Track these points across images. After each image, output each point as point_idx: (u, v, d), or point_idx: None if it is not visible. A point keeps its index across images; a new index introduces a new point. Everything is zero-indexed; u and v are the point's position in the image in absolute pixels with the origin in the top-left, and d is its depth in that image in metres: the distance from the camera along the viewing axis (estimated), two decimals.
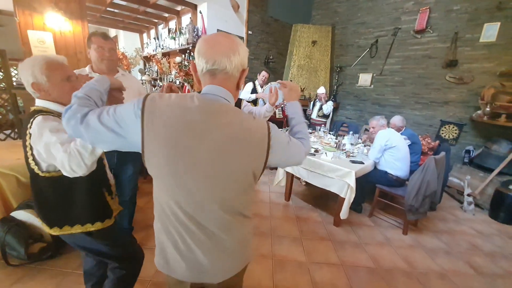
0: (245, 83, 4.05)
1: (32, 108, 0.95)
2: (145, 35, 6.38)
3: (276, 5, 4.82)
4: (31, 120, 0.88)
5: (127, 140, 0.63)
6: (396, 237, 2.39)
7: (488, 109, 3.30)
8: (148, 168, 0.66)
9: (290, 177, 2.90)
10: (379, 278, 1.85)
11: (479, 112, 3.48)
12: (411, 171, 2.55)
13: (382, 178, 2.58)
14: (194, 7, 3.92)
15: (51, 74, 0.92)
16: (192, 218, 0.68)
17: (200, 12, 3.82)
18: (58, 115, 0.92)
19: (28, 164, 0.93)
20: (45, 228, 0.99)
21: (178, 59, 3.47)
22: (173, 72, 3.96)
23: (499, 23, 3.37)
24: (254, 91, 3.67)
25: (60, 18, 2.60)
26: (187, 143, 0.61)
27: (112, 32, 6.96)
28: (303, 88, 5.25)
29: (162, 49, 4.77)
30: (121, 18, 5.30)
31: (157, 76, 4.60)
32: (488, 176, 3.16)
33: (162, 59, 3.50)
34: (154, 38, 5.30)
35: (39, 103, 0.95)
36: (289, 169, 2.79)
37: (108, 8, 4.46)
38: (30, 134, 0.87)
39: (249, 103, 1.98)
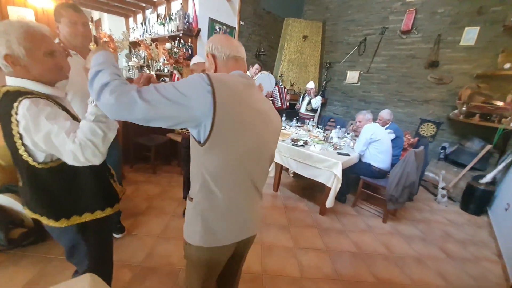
0: None
1: (5, 89, 0.78)
2: (131, 19, 6.10)
3: None
4: (15, 104, 0.73)
5: (192, 112, 0.67)
6: (377, 225, 2.54)
7: (464, 108, 3.52)
8: (214, 139, 0.70)
9: (279, 168, 2.96)
10: (361, 261, 1.96)
11: (456, 111, 3.71)
12: (392, 164, 2.70)
13: (366, 170, 2.70)
14: None
15: (32, 46, 0.76)
16: (250, 175, 0.82)
17: None
18: (43, 96, 0.80)
19: (17, 155, 0.79)
20: (50, 222, 0.88)
21: (168, 45, 3.37)
22: (161, 59, 3.85)
23: (478, 28, 3.58)
24: None
25: None
26: (250, 111, 0.77)
27: (95, 15, 6.59)
28: (293, 83, 5.31)
29: (150, 35, 4.59)
30: (106, 1, 5.03)
31: (144, 63, 4.44)
32: (461, 171, 3.40)
33: (151, 44, 3.37)
34: (141, 23, 5.09)
35: (14, 81, 0.79)
36: (278, 160, 2.84)
37: None
38: (18, 121, 0.73)
39: None
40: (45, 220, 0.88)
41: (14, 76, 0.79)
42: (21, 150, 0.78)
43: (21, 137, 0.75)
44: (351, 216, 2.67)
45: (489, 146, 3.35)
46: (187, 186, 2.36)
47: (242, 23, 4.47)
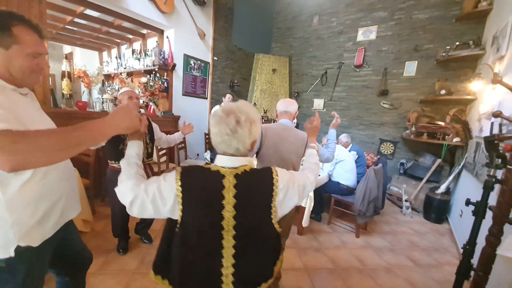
0: (213, 107, 4.24)
1: (241, 169, 0.77)
2: (105, 53, 6.21)
3: (239, 35, 5.29)
4: (274, 180, 0.77)
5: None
6: (350, 240, 2.68)
7: (413, 129, 4.04)
8: (261, 152, 1.57)
9: None
10: (338, 276, 2.05)
11: (407, 131, 4.23)
12: (358, 182, 2.95)
13: (336, 188, 2.91)
14: (160, 32, 4.08)
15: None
16: None
17: (167, 37, 3.99)
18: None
19: (265, 228, 0.78)
20: None
21: (144, 79, 3.51)
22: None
23: (416, 62, 4.28)
24: None
25: None
26: (280, 140, 1.56)
27: (67, 48, 6.58)
28: (266, 110, 5.66)
29: (125, 68, 4.70)
30: (80, 36, 5.13)
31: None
32: (419, 183, 3.78)
33: (127, 78, 3.48)
34: (116, 57, 5.21)
35: (236, 161, 0.78)
36: None
37: (67, 26, 4.33)
38: (277, 193, 0.77)
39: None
40: None
41: (240, 156, 0.79)
42: (274, 220, 0.78)
43: (275, 207, 0.78)
44: (327, 233, 2.79)
45: (439, 161, 3.82)
46: (114, 221, 2.12)
47: (215, 58, 4.83)
